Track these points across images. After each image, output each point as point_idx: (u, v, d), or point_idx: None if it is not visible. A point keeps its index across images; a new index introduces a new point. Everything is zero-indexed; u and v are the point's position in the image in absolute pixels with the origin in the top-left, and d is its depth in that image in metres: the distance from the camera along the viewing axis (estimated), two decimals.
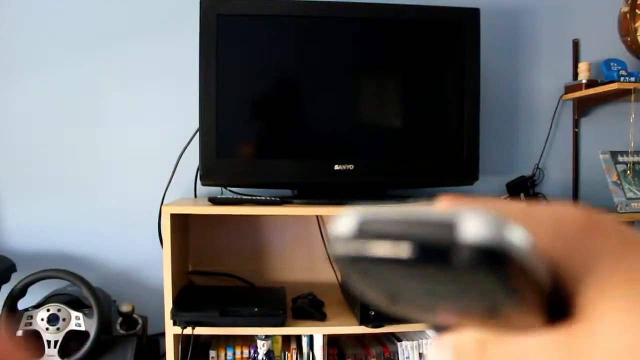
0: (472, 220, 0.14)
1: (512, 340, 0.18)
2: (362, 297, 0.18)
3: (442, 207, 0.19)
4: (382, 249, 0.15)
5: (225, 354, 1.48)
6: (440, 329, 0.20)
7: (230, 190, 1.66)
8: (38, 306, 1.40)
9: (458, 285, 0.15)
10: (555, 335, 0.17)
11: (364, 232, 0.16)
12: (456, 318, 0.19)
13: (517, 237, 0.15)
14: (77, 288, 1.43)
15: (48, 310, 1.39)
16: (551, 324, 0.17)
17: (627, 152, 1.69)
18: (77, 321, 1.40)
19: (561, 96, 1.77)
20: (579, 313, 0.17)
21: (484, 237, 0.14)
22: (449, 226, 0.15)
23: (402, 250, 0.15)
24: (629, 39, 1.72)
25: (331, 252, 0.17)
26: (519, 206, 0.19)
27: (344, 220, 0.16)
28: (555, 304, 0.17)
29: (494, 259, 0.14)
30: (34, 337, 1.39)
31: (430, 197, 0.21)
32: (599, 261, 0.17)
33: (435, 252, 0.14)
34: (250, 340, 1.47)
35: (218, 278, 1.65)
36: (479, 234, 0.14)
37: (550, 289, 0.17)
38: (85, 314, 1.40)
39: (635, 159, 1.68)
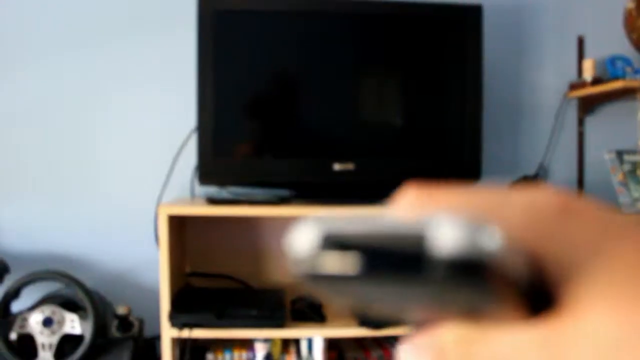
0: (442, 230, 0.14)
1: (495, 336, 0.17)
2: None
3: (408, 210, 0.18)
4: (345, 265, 0.15)
5: (223, 357, 1.48)
6: (418, 325, 0.19)
7: (228, 191, 1.65)
8: (32, 309, 1.40)
9: (432, 295, 0.15)
10: (539, 328, 0.16)
11: (325, 247, 0.15)
12: (434, 317, 0.19)
13: (492, 240, 0.14)
14: (72, 290, 1.43)
15: (42, 312, 1.38)
16: (535, 316, 0.17)
17: (633, 151, 1.69)
18: (72, 324, 1.40)
19: (565, 94, 1.76)
20: (561, 304, 0.16)
21: (457, 249, 0.14)
22: (418, 238, 0.14)
23: (369, 265, 0.14)
24: (634, 36, 1.71)
25: (290, 269, 0.16)
26: (492, 194, 0.18)
27: (301, 234, 0.15)
28: (539, 295, 0.17)
29: (469, 269, 0.14)
30: (28, 340, 1.38)
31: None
32: (578, 249, 0.16)
33: (405, 266, 0.14)
34: (248, 344, 1.47)
35: (216, 280, 1.64)
36: (451, 245, 0.14)
37: (532, 282, 0.16)
38: (80, 317, 1.40)
39: None
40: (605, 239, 0.17)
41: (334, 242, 0.15)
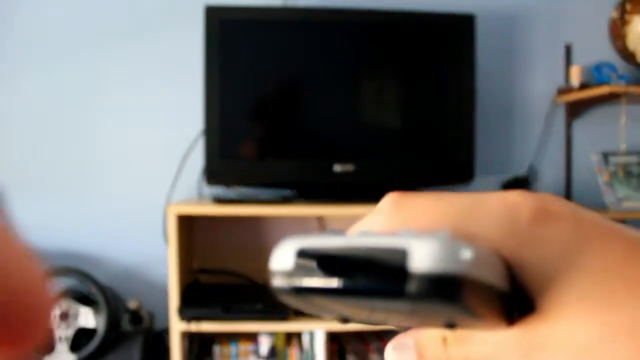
0: (419, 245, 0.14)
1: (475, 337, 0.17)
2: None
3: (386, 217, 0.18)
4: (324, 278, 0.15)
5: (229, 350, 1.51)
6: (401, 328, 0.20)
7: (233, 192, 1.69)
8: None
9: (411, 308, 0.14)
10: (517, 332, 0.16)
11: (304, 262, 0.15)
12: (416, 326, 0.18)
13: (468, 254, 0.14)
14: (86, 286, 1.46)
15: (58, 307, 1.42)
16: (514, 320, 0.17)
17: (618, 153, 1.72)
18: (86, 318, 1.43)
19: (554, 99, 1.80)
20: (540, 309, 0.16)
21: (434, 264, 0.13)
22: (396, 253, 0.14)
23: (348, 282, 0.14)
24: (619, 44, 1.76)
25: (271, 286, 0.16)
26: (467, 201, 0.18)
27: (282, 251, 0.16)
28: (519, 300, 0.17)
29: (447, 287, 0.13)
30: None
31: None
32: (553, 253, 0.16)
33: (383, 280, 0.14)
34: (253, 336, 1.50)
35: (222, 276, 1.67)
36: (428, 260, 0.13)
37: (511, 288, 0.16)
38: (94, 311, 1.43)
39: (626, 159, 1.71)
40: (579, 242, 0.16)
41: (313, 257, 0.15)
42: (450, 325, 0.16)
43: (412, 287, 0.13)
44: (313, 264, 0.15)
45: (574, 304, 0.16)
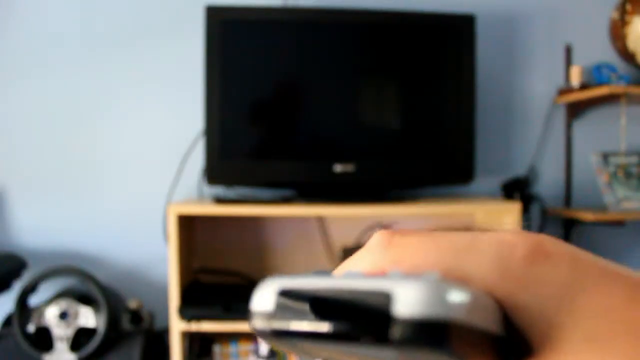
0: (406, 289, 0.13)
1: None
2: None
3: (375, 256, 0.18)
4: (305, 325, 0.14)
5: (229, 349, 1.52)
6: None
7: (234, 192, 1.70)
8: (49, 303, 1.44)
9: (396, 356, 0.14)
10: None
11: (287, 304, 0.15)
12: None
13: (458, 298, 0.14)
14: (86, 285, 1.46)
15: (58, 306, 1.42)
16: None
17: (618, 153, 1.72)
18: (86, 317, 1.44)
19: (554, 99, 1.80)
20: (538, 351, 0.16)
21: (419, 312, 0.13)
22: (382, 296, 0.13)
23: (330, 327, 0.14)
24: (619, 44, 1.77)
25: (251, 327, 0.15)
26: (461, 240, 0.17)
27: (264, 291, 0.15)
28: (513, 343, 0.16)
29: (433, 332, 0.13)
30: (45, 332, 1.43)
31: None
32: (549, 296, 0.16)
33: (368, 325, 0.13)
34: (253, 336, 1.50)
35: (222, 276, 1.68)
36: (413, 308, 0.13)
37: (505, 332, 0.16)
38: (94, 310, 1.44)
39: (626, 160, 1.72)
40: (579, 282, 0.16)
41: (295, 297, 0.15)
42: None
43: (396, 332, 0.13)
44: (295, 305, 0.14)
45: (578, 345, 0.15)
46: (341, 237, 1.75)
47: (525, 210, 1.68)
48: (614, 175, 1.68)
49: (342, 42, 1.58)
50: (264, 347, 1.51)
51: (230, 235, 1.71)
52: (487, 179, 1.78)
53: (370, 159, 1.57)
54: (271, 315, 0.15)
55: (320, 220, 1.75)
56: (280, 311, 0.15)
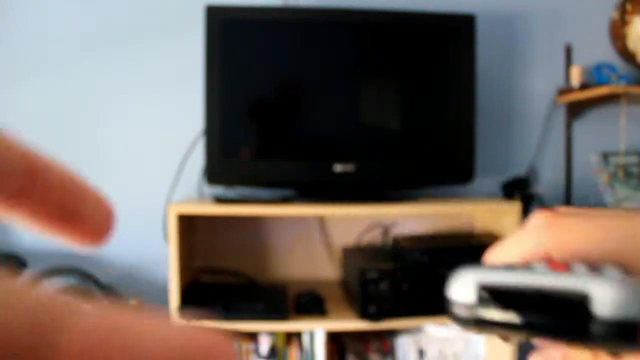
0: (602, 293, 0.14)
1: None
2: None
3: (537, 248, 0.18)
4: (508, 317, 0.16)
5: None
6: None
7: (234, 191, 1.70)
8: None
9: (588, 346, 0.15)
10: None
11: (488, 299, 0.16)
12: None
13: None
14: (87, 284, 1.47)
15: None
16: None
17: (618, 153, 1.72)
18: None
19: (554, 99, 1.80)
20: None
21: (618, 314, 0.14)
22: (578, 296, 0.15)
23: (531, 319, 0.15)
24: (619, 44, 1.77)
25: (451, 316, 0.17)
26: (621, 225, 0.17)
27: (462, 283, 0.17)
28: None
29: (627, 331, 0.14)
30: None
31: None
32: None
33: (568, 325, 0.15)
34: (253, 336, 1.50)
35: (223, 275, 1.68)
36: (613, 311, 0.14)
37: None
38: None
39: (626, 160, 1.72)
40: None
41: (494, 292, 0.16)
42: (616, 355, 0.16)
43: (596, 330, 0.14)
44: (494, 298, 0.16)
45: None
46: (341, 237, 1.75)
47: (526, 210, 1.69)
48: (613, 175, 1.68)
49: (342, 42, 1.58)
50: (264, 347, 1.51)
51: (230, 235, 1.71)
52: (487, 179, 1.79)
53: (370, 159, 1.57)
54: (473, 306, 0.17)
55: (320, 220, 1.75)
56: (481, 303, 0.17)
